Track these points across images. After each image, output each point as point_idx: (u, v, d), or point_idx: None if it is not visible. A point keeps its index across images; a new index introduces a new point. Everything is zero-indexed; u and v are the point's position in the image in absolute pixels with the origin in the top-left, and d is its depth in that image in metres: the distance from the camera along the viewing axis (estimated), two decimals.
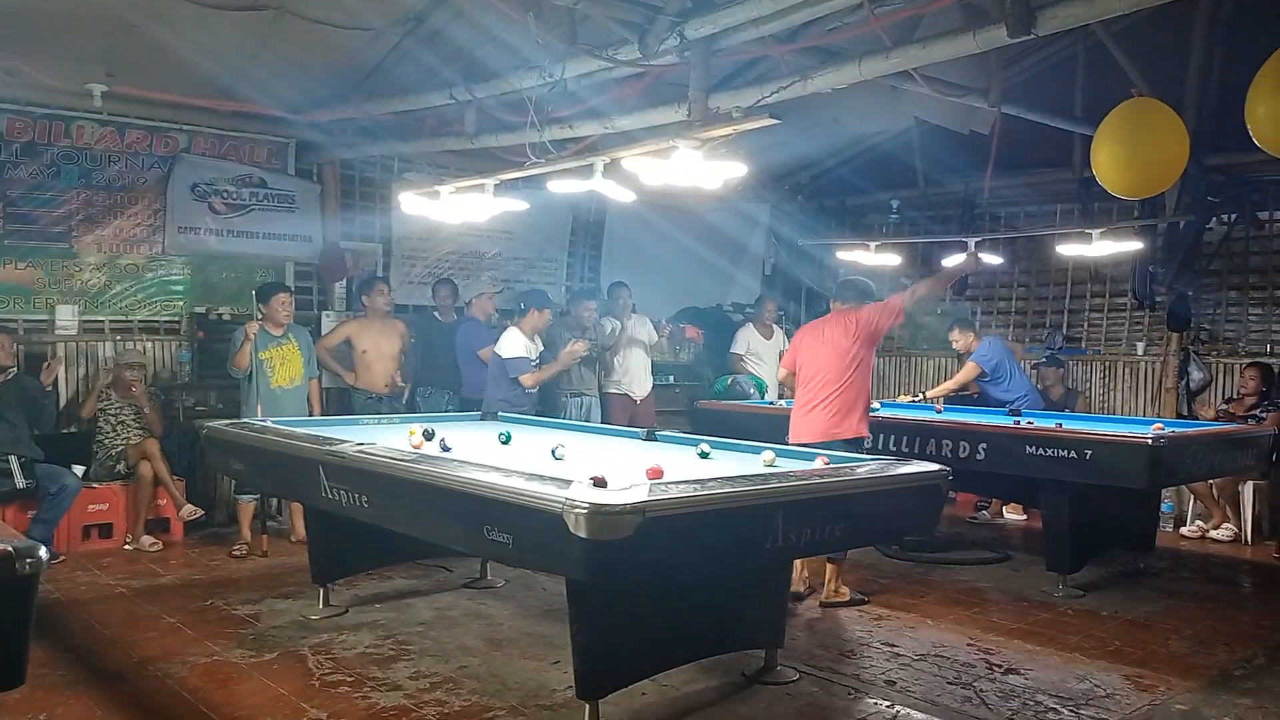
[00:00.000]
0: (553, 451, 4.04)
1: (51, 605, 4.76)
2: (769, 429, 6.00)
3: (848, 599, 5.04)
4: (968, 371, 7.13)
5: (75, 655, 4.12)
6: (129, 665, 4.02)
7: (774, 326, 8.44)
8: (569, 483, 3.03)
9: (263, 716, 3.48)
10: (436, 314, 7.32)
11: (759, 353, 8.21)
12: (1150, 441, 4.89)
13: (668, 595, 3.47)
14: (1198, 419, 7.12)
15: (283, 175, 7.20)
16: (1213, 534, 6.85)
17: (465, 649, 4.25)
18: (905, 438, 5.81)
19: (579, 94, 5.48)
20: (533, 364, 6.38)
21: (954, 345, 7.62)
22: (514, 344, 6.31)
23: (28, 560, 2.00)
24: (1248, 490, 6.82)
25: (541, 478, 3.18)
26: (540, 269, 8.66)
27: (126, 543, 6.05)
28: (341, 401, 7.06)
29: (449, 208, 5.31)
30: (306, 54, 5.85)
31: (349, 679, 3.86)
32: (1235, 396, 7.22)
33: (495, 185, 5.08)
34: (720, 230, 9.23)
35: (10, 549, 2.00)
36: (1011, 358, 7.30)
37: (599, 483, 3.02)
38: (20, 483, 5.58)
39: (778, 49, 4.91)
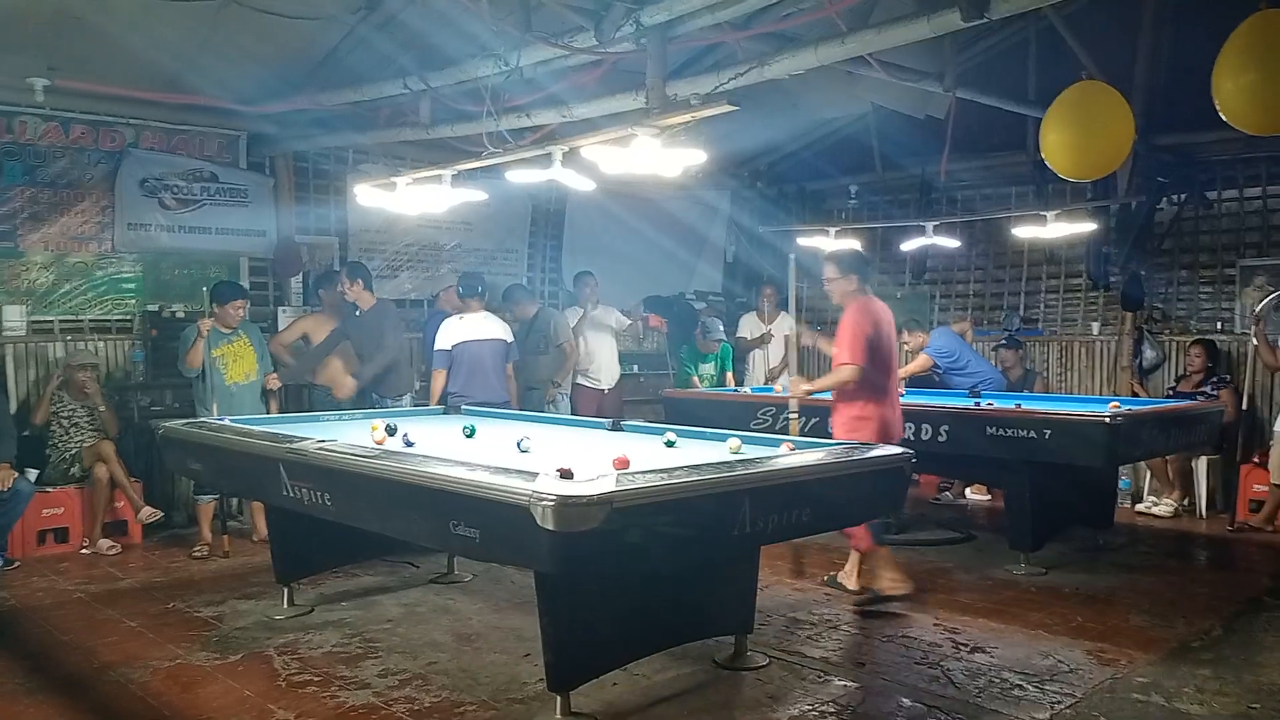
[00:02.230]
0: (518, 444, 4.01)
1: (8, 612, 4.67)
2: (733, 417, 6.04)
3: (856, 590, 4.90)
4: (919, 363, 7.18)
5: (34, 662, 4.03)
6: (90, 671, 3.94)
7: (778, 311, 8.52)
8: (535, 475, 3.01)
9: (229, 719, 3.43)
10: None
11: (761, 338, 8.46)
12: (1107, 420, 4.97)
13: (636, 585, 3.47)
14: (1138, 396, 7.28)
15: (234, 169, 7.06)
16: (1155, 510, 6.99)
17: (434, 645, 4.22)
18: None
19: (536, 82, 5.43)
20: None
21: (905, 348, 7.57)
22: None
23: None
24: (1201, 465, 6.97)
25: (507, 471, 3.16)
26: (500, 260, 8.60)
27: (84, 547, 5.93)
28: (300, 399, 6.96)
29: (406, 199, 5.24)
30: (257, 43, 5.73)
31: (316, 679, 3.82)
32: (1184, 374, 7.37)
33: (453, 176, 5.03)
34: (681, 218, 9.24)
35: None
36: (964, 343, 7.37)
37: (565, 474, 3.01)
38: None
39: (734, 35, 4.90)
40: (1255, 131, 4.28)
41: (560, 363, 7.14)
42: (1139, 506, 7.14)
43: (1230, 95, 4.09)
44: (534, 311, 7.27)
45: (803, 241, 8.25)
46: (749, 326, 8.67)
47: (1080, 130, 5.12)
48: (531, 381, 7.14)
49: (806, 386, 4.87)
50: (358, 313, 6.40)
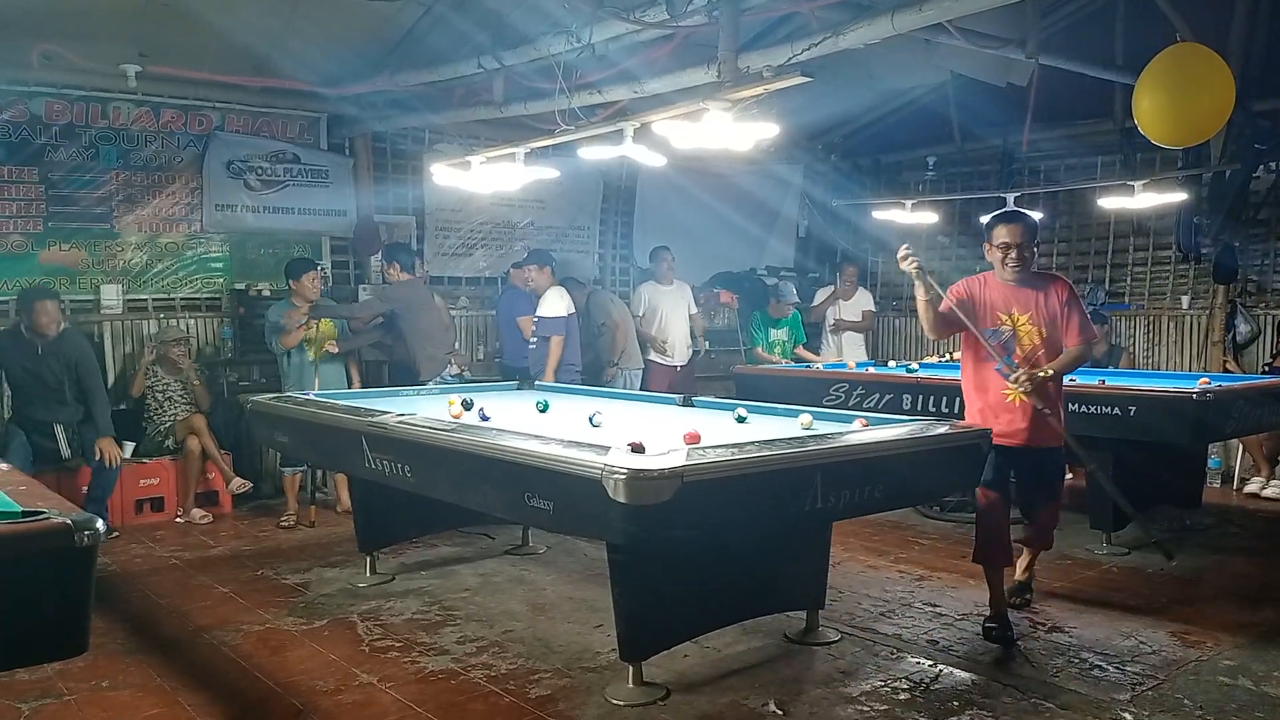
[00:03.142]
0: (590, 419, 4.06)
1: (109, 577, 4.91)
2: (804, 393, 6.00)
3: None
4: None
5: (133, 625, 4.25)
6: (185, 633, 4.14)
7: (857, 289, 8.50)
8: (607, 449, 3.05)
9: (315, 681, 3.57)
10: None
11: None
12: (1194, 397, 4.81)
13: (708, 558, 3.50)
14: (1230, 372, 6.99)
15: (315, 150, 7.24)
16: (1266, 492, 6.71)
17: (510, 614, 4.32)
18: (945, 398, 5.76)
19: (608, 58, 5.44)
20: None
21: None
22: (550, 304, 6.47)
23: (86, 533, 2.05)
24: None
25: (580, 444, 3.21)
26: (572, 238, 8.66)
27: (178, 516, 6.20)
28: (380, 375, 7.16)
29: (480, 178, 5.32)
30: (336, 25, 5.86)
31: (398, 644, 3.95)
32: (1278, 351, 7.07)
33: (525, 154, 5.08)
34: (753, 193, 9.17)
35: (69, 522, 2.05)
36: None
37: (637, 448, 3.04)
38: (65, 451, 5.71)
39: (808, 5, 4.83)
40: None
41: (609, 342, 7.22)
42: (1249, 488, 6.84)
43: None
44: (585, 298, 7.40)
45: (878, 215, 8.14)
46: (822, 297, 8.58)
47: (1177, 95, 4.91)
48: (603, 363, 7.25)
49: (1044, 372, 3.90)
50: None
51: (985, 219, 4.39)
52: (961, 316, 3.97)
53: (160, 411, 6.34)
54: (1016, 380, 3.86)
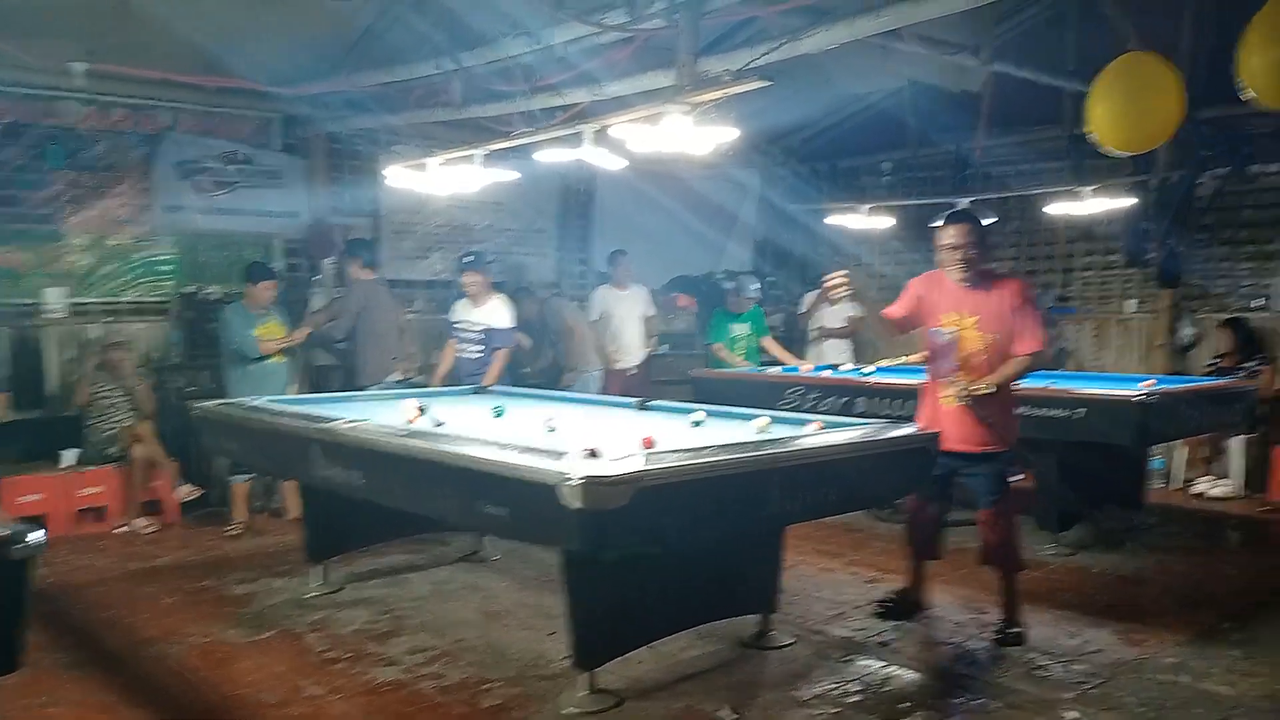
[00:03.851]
0: (546, 424, 4.04)
1: (48, 590, 4.77)
2: (760, 396, 6.02)
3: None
4: None
5: (75, 638, 4.15)
6: (128, 646, 4.04)
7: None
8: (563, 455, 3.03)
9: (261, 694, 3.51)
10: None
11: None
12: (1139, 399, 4.90)
13: (663, 564, 3.48)
14: (1187, 375, 7.15)
15: (269, 151, 7.13)
16: (1213, 492, 6.86)
17: (462, 622, 4.28)
18: (899, 401, 5.81)
19: (567, 60, 5.42)
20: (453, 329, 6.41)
21: None
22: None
23: (19, 545, 2.00)
24: (1236, 445, 6.86)
25: (535, 450, 3.19)
26: (530, 241, 8.62)
27: (121, 525, 6.06)
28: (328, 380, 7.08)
29: (437, 180, 5.27)
30: (291, 24, 5.77)
31: (346, 655, 3.89)
32: (1225, 352, 7.24)
33: (484, 156, 5.04)
34: (711, 198, 9.18)
35: (3, 533, 2.00)
36: None
37: (593, 454, 3.03)
38: None
39: (767, 10, 4.85)
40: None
41: (567, 348, 7.21)
42: (1195, 489, 6.98)
43: (1254, 72, 4.00)
44: (537, 310, 7.42)
45: (834, 219, 8.20)
46: (807, 301, 8.45)
47: (1130, 103, 5.00)
48: (558, 368, 7.23)
49: (988, 381, 3.86)
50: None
51: (935, 221, 4.37)
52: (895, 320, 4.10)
53: (104, 418, 6.19)
54: (953, 388, 3.90)
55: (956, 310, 3.95)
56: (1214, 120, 7.12)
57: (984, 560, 4.16)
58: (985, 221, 4.12)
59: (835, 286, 3.99)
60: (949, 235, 3.97)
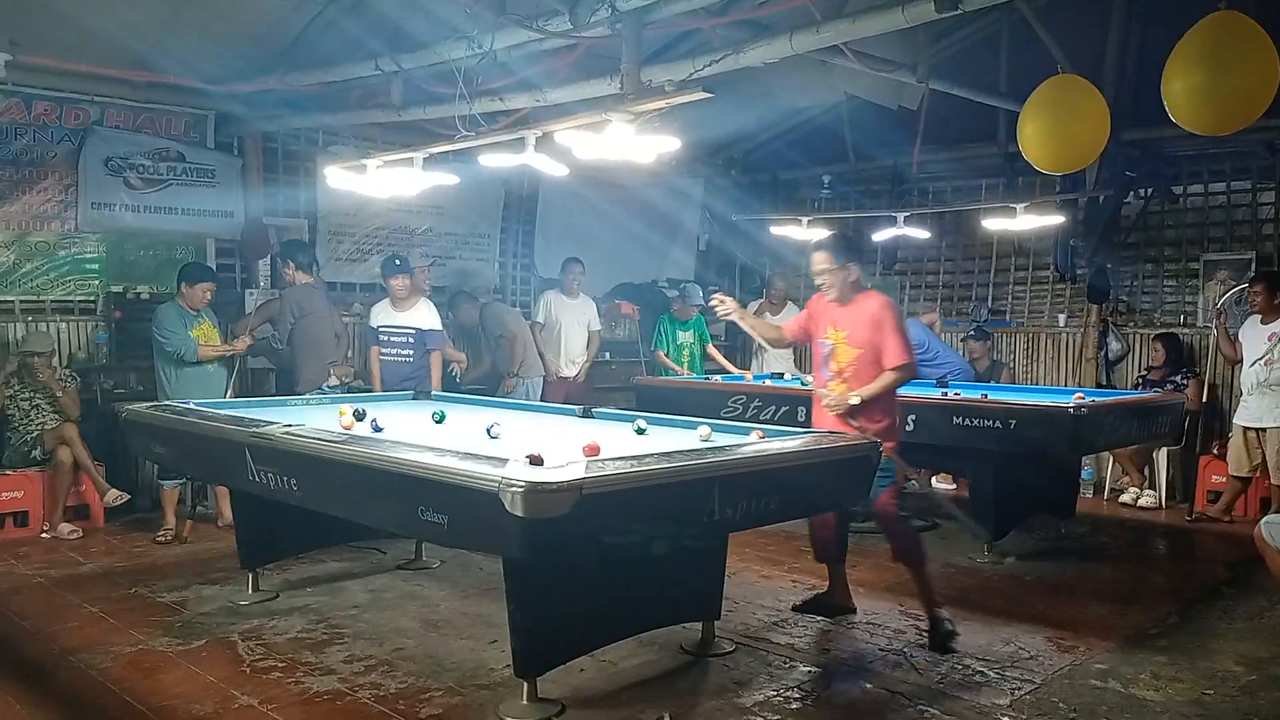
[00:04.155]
0: (488, 430, 4.00)
1: None
2: (703, 405, 6.05)
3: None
4: None
5: None
6: (50, 657, 3.89)
7: (785, 303, 8.41)
8: (505, 461, 3.00)
9: (192, 705, 3.40)
10: None
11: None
12: (1071, 410, 5.04)
13: (605, 571, 3.48)
14: (1114, 389, 7.37)
15: (202, 149, 6.95)
16: (1140, 502, 7.06)
17: (400, 631, 4.21)
18: None
19: (509, 65, 5.39)
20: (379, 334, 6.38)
21: None
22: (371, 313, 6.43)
23: None
24: (1162, 456, 7.09)
25: (477, 457, 3.15)
26: (472, 245, 8.54)
27: (44, 531, 5.84)
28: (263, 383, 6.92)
29: (376, 182, 5.19)
30: (225, 23, 5.65)
31: (281, 664, 3.79)
32: (1152, 366, 7.49)
33: (424, 159, 4.99)
34: (654, 205, 9.22)
35: None
36: (933, 334, 7.43)
37: (535, 461, 3.00)
38: None
39: (709, 22, 4.89)
40: (1202, 132, 4.36)
41: (508, 353, 7.17)
42: (1123, 498, 7.17)
43: (1178, 95, 4.16)
44: (477, 313, 7.40)
45: (776, 230, 8.29)
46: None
47: (1058, 123, 5.16)
48: (504, 374, 7.19)
49: (857, 397, 4.14)
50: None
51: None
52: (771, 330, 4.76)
53: (26, 420, 5.97)
54: (827, 398, 4.22)
55: (832, 325, 4.32)
56: (1139, 142, 7.38)
57: (893, 558, 4.36)
58: (841, 250, 4.33)
59: (720, 305, 4.53)
60: (814, 261, 4.35)
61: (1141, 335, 7.90)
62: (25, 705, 3.41)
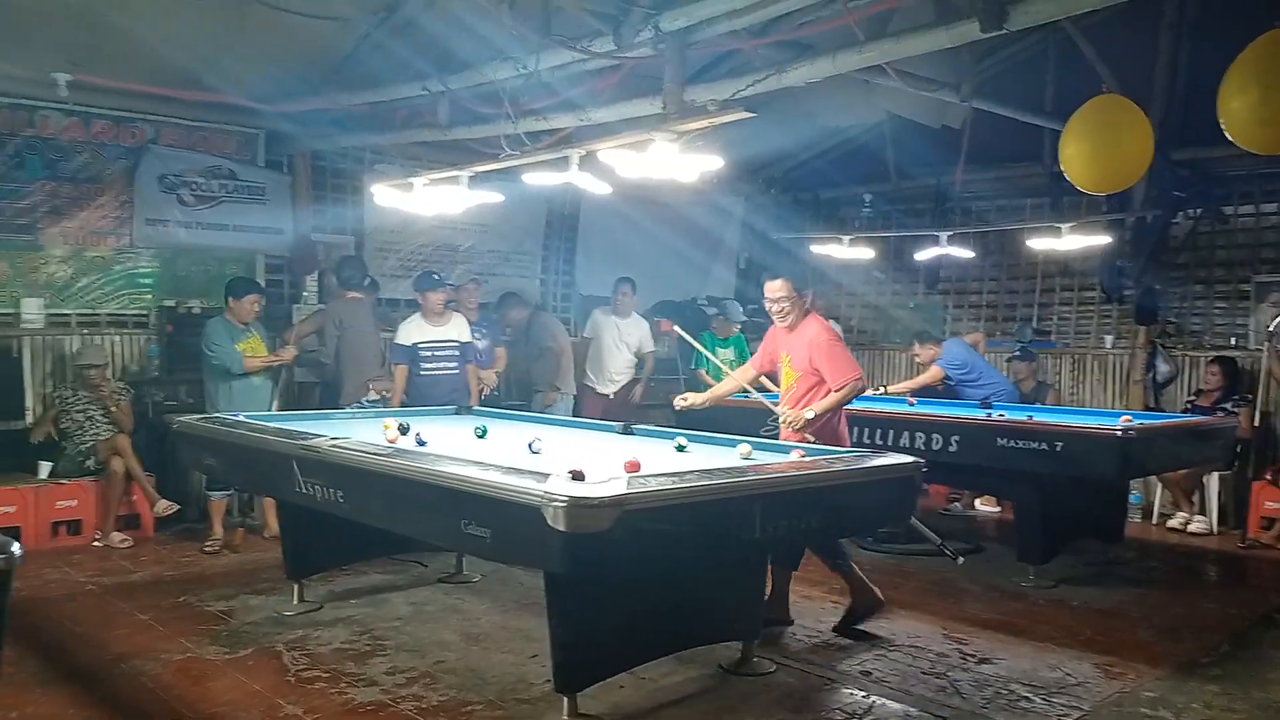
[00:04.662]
0: (529, 445, 4.03)
1: (21, 603, 4.67)
2: (744, 423, 6.03)
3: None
4: (931, 374, 7.17)
5: (46, 653, 4.06)
6: (101, 663, 3.97)
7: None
8: (547, 476, 3.02)
9: (238, 713, 3.45)
10: None
11: None
12: (1119, 433, 4.96)
13: (645, 588, 3.48)
14: (1162, 411, 7.23)
15: (253, 167, 7.11)
16: (1190, 528, 6.91)
17: (442, 644, 4.24)
18: (879, 430, 5.85)
19: (553, 86, 5.46)
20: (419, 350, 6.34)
21: (916, 359, 7.59)
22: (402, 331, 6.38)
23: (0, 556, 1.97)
24: (1213, 481, 6.94)
25: (519, 471, 3.18)
26: (515, 262, 8.63)
27: (96, 539, 5.97)
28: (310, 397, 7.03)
29: (423, 200, 5.27)
30: (276, 44, 5.78)
31: (325, 675, 3.84)
32: (1202, 389, 7.34)
33: (469, 177, 5.06)
34: (695, 223, 9.24)
35: None
36: (976, 354, 7.36)
37: (577, 476, 3.02)
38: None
39: (752, 42, 4.92)
40: (1259, 150, 4.29)
41: (553, 366, 7.20)
42: (1172, 523, 7.03)
43: (1235, 113, 4.10)
44: (526, 317, 7.36)
45: (816, 249, 8.28)
46: None
47: (1100, 143, 5.12)
48: (536, 385, 7.24)
49: (812, 413, 4.38)
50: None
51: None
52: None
53: (80, 431, 6.12)
54: (784, 416, 4.49)
55: (783, 350, 4.64)
56: (1187, 162, 7.27)
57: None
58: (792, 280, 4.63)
59: (681, 402, 4.92)
60: (768, 290, 4.62)
61: (1190, 358, 7.75)
62: (78, 709, 3.49)
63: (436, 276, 6.56)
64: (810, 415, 4.37)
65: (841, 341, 4.69)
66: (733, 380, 5.09)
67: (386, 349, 6.66)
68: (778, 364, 4.70)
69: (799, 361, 4.53)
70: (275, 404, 6.26)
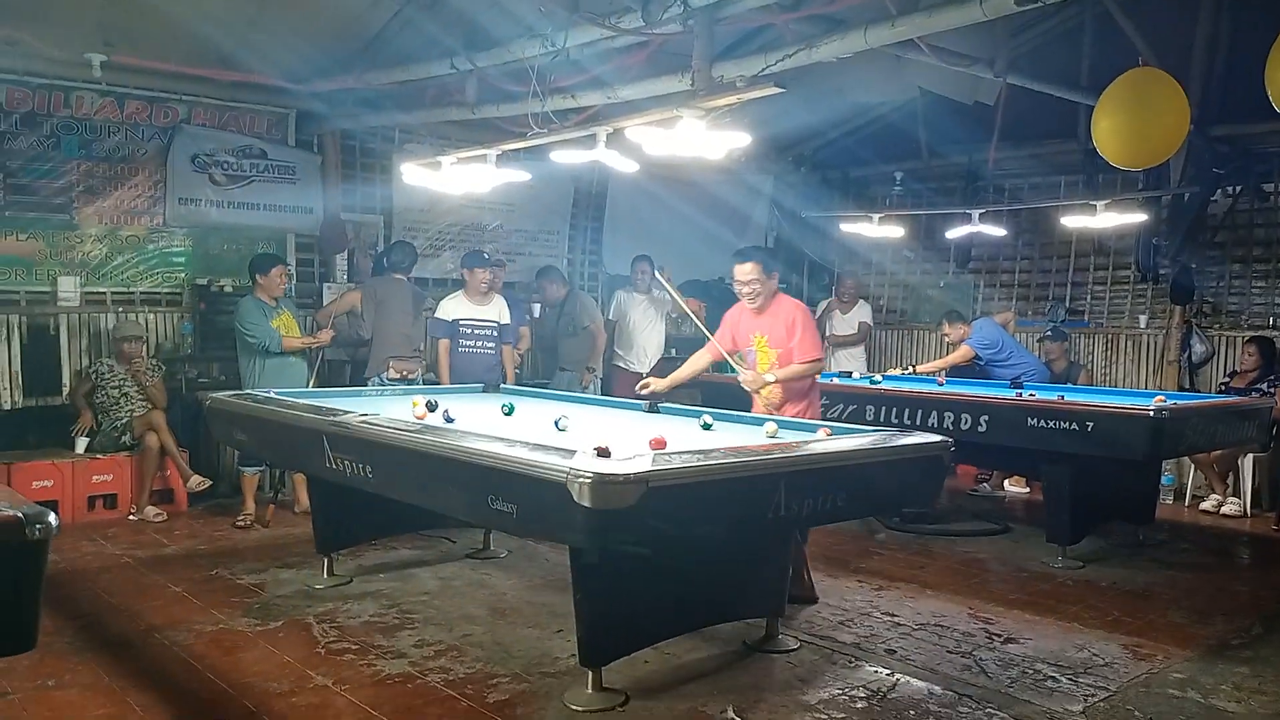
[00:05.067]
0: (556, 423, 4.05)
1: (58, 575, 4.80)
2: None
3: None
4: (960, 354, 7.11)
5: (82, 623, 4.16)
6: (136, 633, 4.06)
7: (856, 300, 8.68)
8: (573, 453, 3.04)
9: (269, 683, 3.51)
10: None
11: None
12: (1151, 413, 4.90)
13: (670, 564, 3.48)
14: (1197, 392, 7.12)
15: (283, 146, 7.16)
16: (1223, 510, 6.82)
17: (469, 618, 4.29)
18: (908, 410, 5.82)
19: (581, 63, 5.44)
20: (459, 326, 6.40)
21: (946, 338, 7.53)
22: (443, 306, 6.46)
23: (37, 526, 2.01)
24: (1248, 463, 6.83)
25: (545, 448, 3.19)
26: (542, 241, 8.64)
27: (131, 513, 6.08)
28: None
29: (450, 178, 5.28)
30: (306, 21, 5.81)
31: (354, 647, 3.90)
32: (1237, 370, 7.22)
33: (497, 156, 5.06)
34: (724, 201, 9.19)
35: (19, 515, 2.01)
36: (1006, 334, 7.28)
37: (603, 453, 3.04)
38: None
39: (782, 17, 4.86)
40: None
41: (590, 345, 7.22)
42: (1205, 505, 6.94)
43: None
44: (564, 294, 7.38)
45: (846, 227, 8.22)
46: (828, 319, 8.72)
47: (1133, 118, 5.03)
48: (562, 363, 7.24)
49: (773, 377, 4.64)
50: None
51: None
52: (719, 348, 4.98)
53: (115, 407, 6.22)
54: (744, 380, 4.71)
55: (756, 332, 4.77)
56: (1226, 138, 7.13)
57: None
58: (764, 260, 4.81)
59: (645, 389, 4.96)
60: (739, 272, 4.74)
61: (1227, 337, 7.62)
62: (113, 677, 3.57)
63: (485, 255, 6.59)
64: (771, 379, 4.62)
65: (813, 321, 4.98)
66: (691, 365, 5.17)
67: (419, 330, 6.70)
68: (741, 347, 4.86)
69: (777, 340, 4.70)
70: (313, 380, 6.34)
